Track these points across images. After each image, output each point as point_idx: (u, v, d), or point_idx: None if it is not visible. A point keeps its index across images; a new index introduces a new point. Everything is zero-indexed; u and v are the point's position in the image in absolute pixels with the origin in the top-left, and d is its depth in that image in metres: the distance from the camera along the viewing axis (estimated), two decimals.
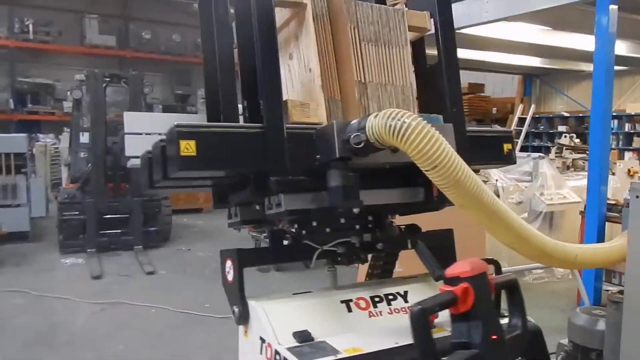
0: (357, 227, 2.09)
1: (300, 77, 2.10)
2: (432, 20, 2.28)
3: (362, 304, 2.03)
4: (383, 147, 1.71)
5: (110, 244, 7.44)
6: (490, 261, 2.22)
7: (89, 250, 7.18)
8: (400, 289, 2.14)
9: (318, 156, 1.82)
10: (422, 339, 1.18)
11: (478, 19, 7.08)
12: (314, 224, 2.04)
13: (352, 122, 1.77)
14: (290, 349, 1.74)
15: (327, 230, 2.06)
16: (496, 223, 1.84)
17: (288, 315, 1.89)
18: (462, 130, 2.18)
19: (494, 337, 1.27)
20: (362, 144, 1.71)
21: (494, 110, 15.90)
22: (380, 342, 1.80)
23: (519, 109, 15.12)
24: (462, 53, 8.63)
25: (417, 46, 2.38)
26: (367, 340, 1.81)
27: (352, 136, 1.73)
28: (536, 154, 7.32)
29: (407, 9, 2.26)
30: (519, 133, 12.86)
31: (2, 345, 4.41)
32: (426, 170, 1.66)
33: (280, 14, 2.09)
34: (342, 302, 2.01)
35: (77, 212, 7.30)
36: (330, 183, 1.77)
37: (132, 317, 5.11)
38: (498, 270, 2.18)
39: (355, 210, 1.83)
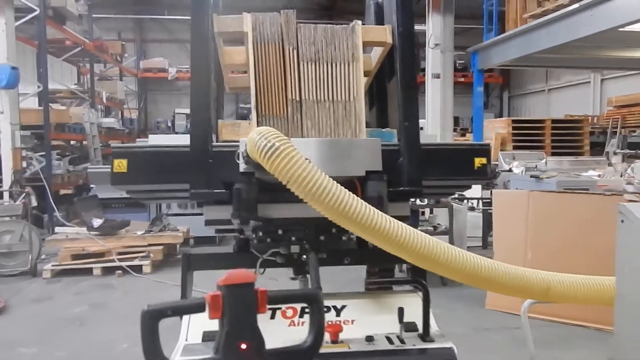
0: (293, 238, 2.17)
1: None
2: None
3: (289, 313, 2.11)
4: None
5: None
6: (416, 281, 2.12)
7: None
8: (340, 303, 2.16)
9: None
10: (145, 338, 1.29)
11: None
12: (260, 234, 2.20)
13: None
14: (186, 345, 1.94)
15: (268, 240, 2.20)
16: (382, 241, 1.77)
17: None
18: (414, 144, 2.12)
19: (244, 346, 1.32)
20: (245, 160, 1.85)
21: None
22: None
23: None
24: None
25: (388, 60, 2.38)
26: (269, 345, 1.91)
27: (241, 152, 1.88)
28: None
29: (360, 23, 2.28)
30: None
31: None
32: (285, 184, 1.72)
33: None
34: (269, 309, 2.12)
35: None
36: (233, 196, 1.94)
37: None
38: (425, 293, 2.06)
39: (252, 223, 1.97)
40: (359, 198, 1.73)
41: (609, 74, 15.19)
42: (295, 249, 2.13)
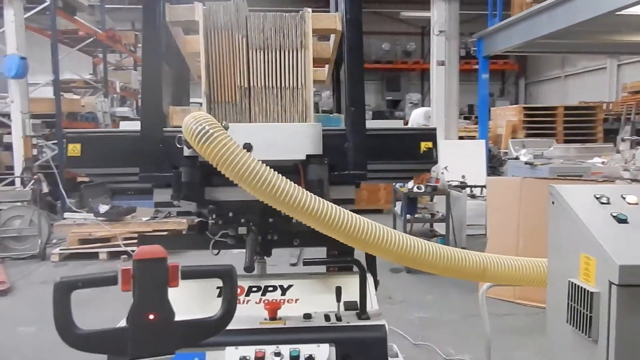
0: (242, 220, 2.24)
1: None
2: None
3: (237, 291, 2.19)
4: None
5: None
6: (353, 261, 2.18)
7: None
8: (287, 283, 2.24)
9: None
10: (57, 308, 1.38)
11: None
12: (213, 216, 2.28)
13: None
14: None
15: (220, 222, 2.27)
16: (310, 220, 1.83)
17: None
18: (360, 129, 2.18)
19: (151, 317, 1.40)
20: (182, 144, 1.92)
21: None
22: None
23: None
24: None
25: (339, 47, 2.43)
26: None
27: (182, 137, 1.95)
28: None
29: (310, 11, 2.33)
30: None
31: None
32: (216, 167, 1.79)
33: None
34: (218, 287, 2.20)
35: None
36: (173, 179, 2.02)
37: None
38: (362, 270, 2.12)
39: (192, 207, 2.06)
40: (287, 180, 1.80)
41: (625, 59, 14.89)
42: (243, 230, 2.20)
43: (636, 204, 1.81)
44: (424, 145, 2.22)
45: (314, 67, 2.77)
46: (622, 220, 1.71)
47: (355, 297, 2.14)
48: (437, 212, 7.02)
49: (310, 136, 2.06)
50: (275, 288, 2.21)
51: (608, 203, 1.81)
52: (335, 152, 2.16)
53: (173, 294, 2.08)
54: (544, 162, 6.48)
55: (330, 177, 2.16)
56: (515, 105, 13.18)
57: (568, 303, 1.76)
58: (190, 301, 2.14)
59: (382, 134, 2.23)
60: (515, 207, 5.52)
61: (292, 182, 1.81)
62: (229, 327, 1.94)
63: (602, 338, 1.61)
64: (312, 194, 1.81)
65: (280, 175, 1.79)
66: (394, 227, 8.33)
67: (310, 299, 2.17)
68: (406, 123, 13.71)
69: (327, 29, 2.35)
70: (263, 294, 2.19)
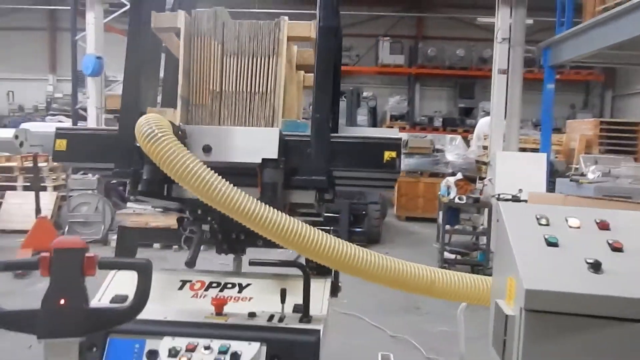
0: (209, 218, 2.33)
1: None
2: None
3: (197, 285, 2.30)
4: None
5: None
6: (297, 265, 2.20)
7: None
8: (244, 281, 2.31)
9: None
10: None
11: None
12: (186, 212, 2.40)
13: None
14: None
15: (190, 219, 2.38)
16: (252, 223, 1.89)
17: (127, 282, 2.30)
18: (323, 136, 2.21)
19: (62, 302, 1.52)
20: None
21: None
22: (164, 314, 2.08)
23: None
24: None
25: None
26: (160, 310, 2.10)
27: None
28: None
29: (286, 19, 2.38)
30: None
31: None
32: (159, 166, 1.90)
33: None
34: (181, 281, 2.32)
35: None
36: (130, 176, 2.16)
37: None
38: (305, 275, 2.14)
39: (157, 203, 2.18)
40: (223, 180, 1.87)
41: None
42: (206, 227, 2.29)
43: (578, 227, 1.72)
44: (388, 155, 2.21)
45: (305, 73, 2.84)
46: (552, 244, 1.64)
47: (313, 302, 2.18)
48: (482, 225, 6.81)
49: (267, 141, 2.12)
50: (233, 285, 2.29)
51: (547, 225, 1.73)
52: (298, 158, 2.21)
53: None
54: (590, 179, 6.09)
55: (292, 182, 2.21)
56: (591, 119, 12.41)
57: (491, 325, 1.70)
58: (154, 290, 2.27)
59: (345, 142, 2.25)
60: None
61: (229, 183, 1.87)
62: (174, 319, 2.06)
63: None
64: (246, 195, 1.87)
65: (217, 175, 1.87)
66: (436, 238, 8.16)
67: (264, 298, 2.23)
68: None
69: (302, 36, 2.40)
70: (221, 290, 2.28)
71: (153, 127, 1.88)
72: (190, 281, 2.31)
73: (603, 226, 1.71)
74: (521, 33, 8.74)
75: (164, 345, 1.89)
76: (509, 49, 8.74)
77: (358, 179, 2.45)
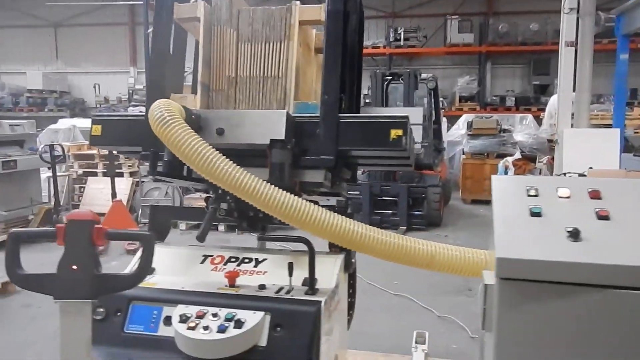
0: (228, 197, 2.46)
1: None
2: None
3: (217, 260, 2.46)
4: None
5: (382, 222, 8.44)
6: (302, 240, 2.28)
7: None
8: (261, 256, 2.44)
9: None
10: (7, 256, 1.73)
11: None
12: (210, 192, 2.56)
13: None
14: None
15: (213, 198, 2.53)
16: (254, 200, 2.00)
17: (156, 256, 2.48)
18: (332, 116, 2.29)
19: (74, 267, 1.70)
20: None
21: None
22: (182, 285, 2.25)
23: None
24: None
25: None
26: (180, 282, 2.29)
27: None
28: None
29: (298, 4, 2.46)
30: None
31: None
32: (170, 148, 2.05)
33: None
34: (204, 255, 2.48)
35: (357, 192, 8.58)
36: (150, 158, 2.33)
37: None
38: (311, 250, 2.23)
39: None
40: (227, 159, 1.99)
41: None
42: (224, 206, 2.43)
43: (568, 197, 1.71)
44: (394, 133, 2.25)
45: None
46: (535, 214, 1.64)
47: (324, 277, 2.28)
48: None
49: (274, 122, 2.22)
50: (250, 260, 2.43)
51: (536, 195, 1.72)
52: (307, 138, 2.30)
53: (165, 256, 2.41)
54: None
55: (302, 162, 2.30)
56: None
57: (480, 296, 1.72)
58: (178, 263, 2.46)
59: (353, 122, 2.30)
60: None
61: (232, 162, 2.00)
62: (191, 289, 2.22)
63: (493, 331, 1.58)
64: (246, 172, 1.98)
65: (219, 154, 2.00)
66: None
67: (278, 272, 2.34)
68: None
69: (313, 20, 2.46)
70: (238, 265, 2.42)
71: (163, 111, 2.04)
72: (211, 256, 2.47)
73: (594, 195, 1.69)
74: (591, 2, 8.25)
75: (177, 312, 2.06)
76: (577, 19, 8.28)
77: (364, 157, 2.50)
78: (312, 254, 2.23)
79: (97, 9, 19.70)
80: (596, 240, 1.51)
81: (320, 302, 2.08)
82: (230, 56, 2.47)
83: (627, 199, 1.66)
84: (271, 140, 2.21)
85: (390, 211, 8.47)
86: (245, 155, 2.27)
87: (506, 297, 1.52)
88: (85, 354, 1.73)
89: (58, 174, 8.50)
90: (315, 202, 2.63)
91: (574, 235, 1.52)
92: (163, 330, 2.09)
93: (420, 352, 3.37)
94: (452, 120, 13.93)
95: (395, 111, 2.68)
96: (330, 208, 2.65)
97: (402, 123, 2.25)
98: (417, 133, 2.79)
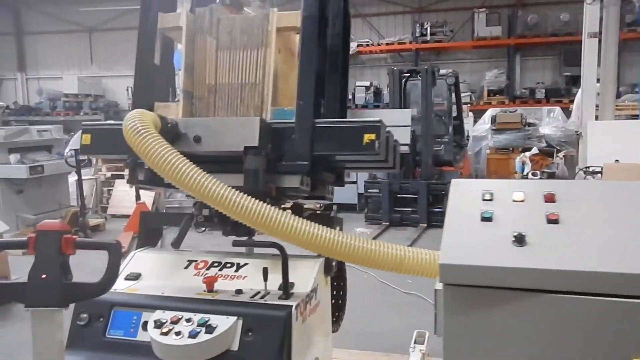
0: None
1: None
2: None
3: (201, 265, 2.51)
4: None
5: (402, 219, 8.42)
6: (275, 245, 2.30)
7: (383, 223, 8.39)
8: (243, 261, 2.48)
9: None
10: None
11: None
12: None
13: None
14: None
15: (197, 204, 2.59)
16: (227, 209, 2.05)
17: (143, 262, 2.57)
18: (307, 121, 2.32)
19: (44, 276, 1.77)
20: None
21: None
22: (162, 290, 2.32)
23: None
24: None
25: None
26: (161, 287, 2.35)
27: None
28: None
29: (276, 11, 2.49)
30: None
31: None
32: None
33: None
34: (188, 260, 2.55)
35: (377, 190, 8.57)
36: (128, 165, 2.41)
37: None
38: (283, 254, 2.25)
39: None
40: (194, 165, 2.04)
41: None
42: (205, 212, 2.49)
43: (522, 201, 1.69)
44: (367, 137, 2.26)
45: None
46: (485, 219, 1.63)
47: (297, 279, 2.31)
48: None
49: (248, 129, 2.26)
50: (232, 265, 2.48)
51: (490, 200, 1.72)
52: (284, 144, 2.34)
53: (152, 261, 2.48)
54: None
55: (278, 167, 2.34)
56: None
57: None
58: (164, 268, 2.53)
59: (328, 127, 2.32)
60: None
61: (200, 169, 2.05)
62: (170, 294, 2.29)
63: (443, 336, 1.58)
64: (215, 180, 2.03)
65: (191, 163, 2.05)
66: None
67: (257, 277, 2.37)
68: None
69: (291, 26, 2.49)
70: (220, 270, 2.47)
71: (136, 122, 2.10)
72: (196, 261, 2.53)
73: (549, 198, 1.67)
74: None
75: (153, 317, 2.12)
76: (602, 9, 8.08)
77: (339, 162, 2.52)
78: (285, 259, 2.26)
79: (129, 13, 20.16)
80: (541, 245, 1.50)
81: (291, 306, 2.11)
82: (210, 64, 2.53)
83: (581, 202, 1.64)
84: (245, 147, 2.25)
85: (410, 208, 8.43)
86: (223, 162, 2.33)
87: (451, 303, 1.52)
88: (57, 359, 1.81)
89: (86, 177, 8.79)
90: (300, 206, 2.69)
91: (519, 240, 1.51)
92: (141, 335, 2.16)
93: (417, 352, 3.36)
94: (480, 114, 13.73)
95: (376, 115, 2.68)
96: (313, 213, 2.71)
97: (375, 127, 2.26)
98: (405, 135, 2.80)
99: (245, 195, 2.04)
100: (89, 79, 20.57)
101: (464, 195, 1.77)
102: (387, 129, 2.39)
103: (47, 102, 19.59)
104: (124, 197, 9.93)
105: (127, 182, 2.48)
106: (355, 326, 4.46)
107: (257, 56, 2.48)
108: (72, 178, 8.87)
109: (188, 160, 2.06)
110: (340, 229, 2.55)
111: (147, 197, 9.24)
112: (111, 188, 10.18)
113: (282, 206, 2.59)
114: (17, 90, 21.42)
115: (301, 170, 2.33)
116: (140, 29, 2.59)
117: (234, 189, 2.04)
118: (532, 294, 1.44)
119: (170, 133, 2.25)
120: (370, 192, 8.70)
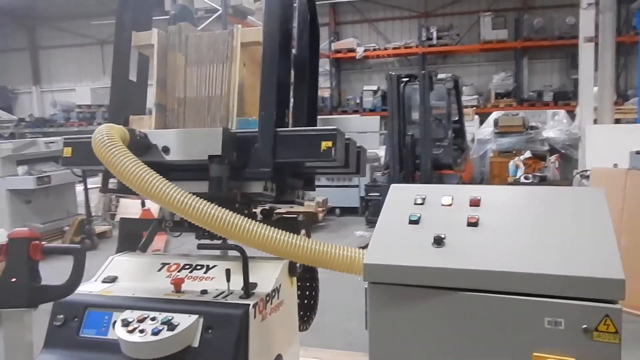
0: None
1: None
2: None
3: (173, 267, 2.65)
4: None
5: None
6: (236, 248, 2.43)
7: None
8: (212, 263, 2.62)
9: None
10: None
11: None
12: None
13: None
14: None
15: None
16: (184, 213, 2.18)
17: (121, 265, 2.72)
18: (268, 131, 2.45)
19: (14, 279, 1.93)
20: None
21: None
22: (133, 292, 2.46)
23: None
24: None
25: None
26: (133, 289, 2.49)
27: None
28: None
29: (240, 27, 2.64)
30: None
31: None
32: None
33: None
34: (162, 263, 2.69)
35: (377, 194, 8.65)
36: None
37: None
38: (244, 256, 2.38)
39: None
40: (155, 173, 2.18)
41: None
42: (177, 217, 2.63)
43: (449, 205, 1.80)
44: (324, 145, 2.38)
45: None
46: (413, 221, 1.75)
47: (261, 280, 2.45)
48: None
49: (212, 139, 2.40)
50: (202, 267, 2.61)
51: (421, 204, 1.83)
52: (247, 152, 2.47)
53: (129, 265, 2.63)
54: None
55: (242, 174, 2.48)
56: None
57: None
58: (138, 271, 2.67)
59: (288, 135, 2.45)
60: (618, 200, 4.94)
61: (160, 177, 2.18)
62: (139, 295, 2.43)
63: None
64: (173, 185, 2.17)
65: (152, 172, 2.19)
66: None
67: (224, 278, 2.51)
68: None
69: (254, 41, 2.63)
70: (191, 271, 2.61)
71: (104, 135, 2.25)
72: (169, 264, 2.67)
73: (474, 203, 1.78)
74: None
75: (121, 316, 2.26)
76: (597, 14, 8.12)
77: (303, 167, 2.64)
78: (245, 260, 2.39)
79: (156, 23, 20.52)
80: (458, 247, 1.62)
81: (248, 305, 2.24)
82: (180, 78, 2.68)
83: (503, 207, 1.74)
84: (209, 156, 2.39)
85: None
86: (192, 170, 2.47)
87: (375, 299, 1.64)
88: (26, 358, 1.96)
89: (94, 186, 9.00)
90: (270, 210, 2.82)
91: (438, 241, 1.63)
92: (111, 334, 2.30)
93: None
94: (488, 117, 13.77)
95: (345, 122, 2.81)
96: (281, 217, 2.83)
97: (332, 135, 2.38)
98: (374, 140, 2.93)
99: (202, 200, 2.17)
100: (102, 89, 20.94)
101: (399, 199, 1.89)
102: (347, 135, 2.52)
103: (61, 114, 20.02)
104: (131, 203, 10.13)
105: (100, 191, 2.63)
106: (348, 326, 4.59)
107: (222, 70, 2.63)
108: (80, 187, 9.11)
109: (151, 170, 2.20)
110: (307, 232, 2.69)
111: (153, 203, 9.44)
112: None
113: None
114: (33, 103, 21.95)
115: (264, 176, 2.46)
116: (115, 47, 2.75)
117: (193, 195, 2.18)
118: (446, 292, 1.56)
119: (140, 144, 2.40)
120: (370, 196, 8.79)
